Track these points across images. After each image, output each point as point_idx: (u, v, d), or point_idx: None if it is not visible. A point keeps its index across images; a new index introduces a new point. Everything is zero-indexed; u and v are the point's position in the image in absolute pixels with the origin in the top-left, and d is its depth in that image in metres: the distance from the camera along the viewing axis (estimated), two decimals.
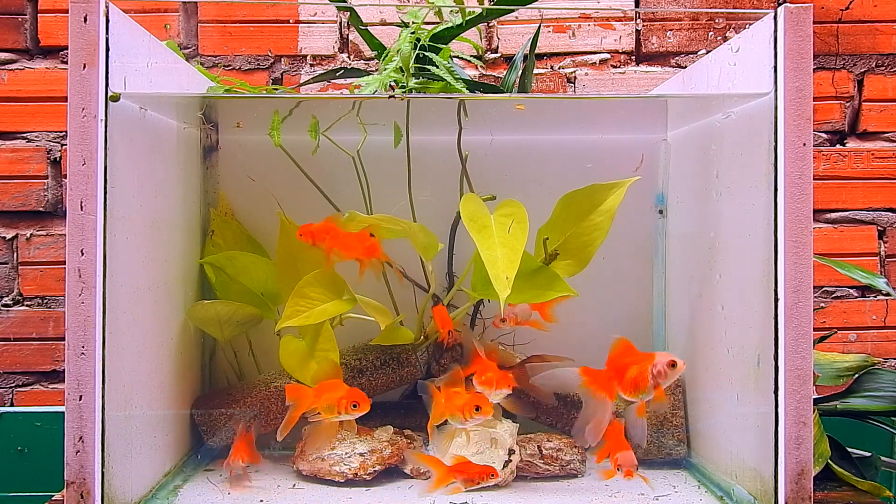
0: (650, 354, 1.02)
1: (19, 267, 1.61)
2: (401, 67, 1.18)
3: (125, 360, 1.03)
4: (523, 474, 1.20)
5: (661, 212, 1.41)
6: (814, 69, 1.27)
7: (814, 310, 0.99)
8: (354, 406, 1.08)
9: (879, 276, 1.54)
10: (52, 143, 1.61)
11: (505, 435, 1.21)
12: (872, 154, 1.64)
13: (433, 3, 1.23)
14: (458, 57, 1.44)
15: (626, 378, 1.01)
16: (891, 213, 1.64)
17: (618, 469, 1.07)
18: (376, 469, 1.18)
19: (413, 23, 1.22)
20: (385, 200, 1.35)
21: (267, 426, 1.28)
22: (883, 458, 1.31)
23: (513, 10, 1.50)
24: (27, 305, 1.61)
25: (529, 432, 1.26)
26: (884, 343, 1.64)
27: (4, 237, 1.61)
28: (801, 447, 0.98)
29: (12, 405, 1.61)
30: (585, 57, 1.63)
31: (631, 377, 1.01)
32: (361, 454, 1.18)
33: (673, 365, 1.00)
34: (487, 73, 1.62)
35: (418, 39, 1.21)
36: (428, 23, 1.24)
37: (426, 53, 1.22)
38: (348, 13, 1.53)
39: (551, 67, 1.63)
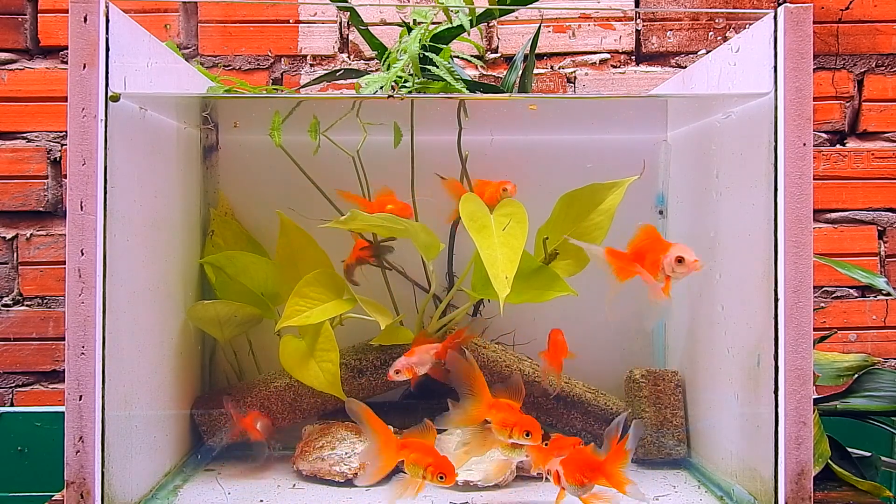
0: (667, 246, 1.03)
1: (19, 267, 1.61)
2: (408, 67, 1.18)
3: (125, 360, 1.03)
4: (523, 474, 1.20)
5: (661, 212, 1.41)
6: (814, 69, 1.27)
7: (814, 310, 0.99)
8: (441, 478, 1.01)
9: (879, 275, 1.54)
10: (52, 143, 1.61)
11: None
12: (872, 154, 1.64)
13: (440, 2, 1.23)
14: (458, 57, 1.44)
15: (644, 264, 1.03)
16: (891, 213, 1.64)
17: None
18: None
19: (420, 22, 1.22)
20: None
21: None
22: (883, 458, 1.31)
23: (513, 10, 1.50)
24: (27, 305, 1.61)
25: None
26: (884, 343, 1.64)
27: (4, 237, 1.61)
28: (801, 447, 0.98)
29: (12, 405, 1.61)
30: (585, 57, 1.63)
31: (647, 264, 1.03)
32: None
33: (680, 260, 1.01)
34: (487, 73, 1.62)
35: (420, 39, 1.21)
36: (431, 22, 1.23)
37: (427, 53, 1.22)
38: (348, 13, 1.53)
39: (551, 67, 1.63)
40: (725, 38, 1.63)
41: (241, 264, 1.31)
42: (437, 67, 1.20)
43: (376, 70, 1.34)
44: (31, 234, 1.61)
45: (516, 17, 1.62)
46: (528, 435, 1.02)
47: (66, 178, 1.21)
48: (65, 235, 1.01)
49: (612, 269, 1.06)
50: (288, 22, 1.62)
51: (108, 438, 0.98)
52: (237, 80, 1.44)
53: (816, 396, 1.33)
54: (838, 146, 1.64)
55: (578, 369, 1.37)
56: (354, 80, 1.27)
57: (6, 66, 1.61)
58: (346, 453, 1.18)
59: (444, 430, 1.25)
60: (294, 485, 1.18)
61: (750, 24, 1.06)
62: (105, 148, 0.97)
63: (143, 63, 1.09)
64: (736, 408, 1.12)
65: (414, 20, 1.24)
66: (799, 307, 0.98)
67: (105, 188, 0.97)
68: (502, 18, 1.61)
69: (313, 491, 1.16)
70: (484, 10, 1.27)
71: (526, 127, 1.38)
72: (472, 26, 1.26)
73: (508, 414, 1.04)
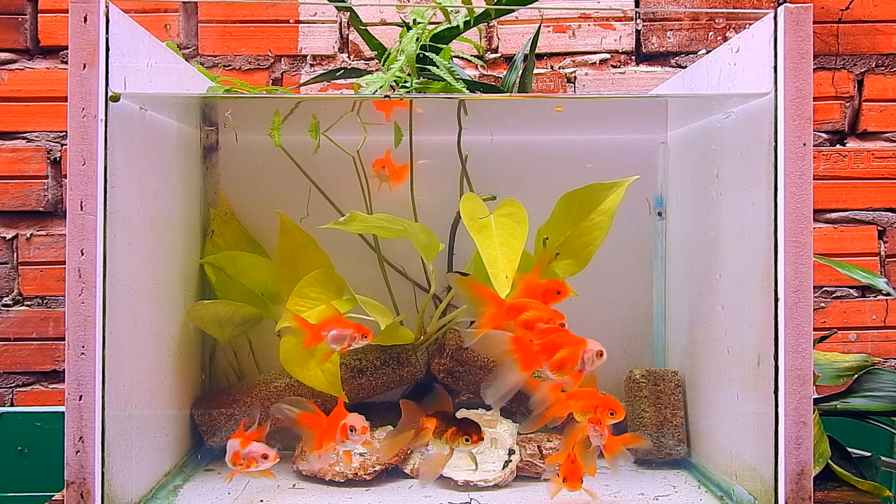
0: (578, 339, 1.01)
1: (19, 267, 1.61)
2: (405, 66, 1.18)
3: (125, 360, 1.03)
4: (523, 474, 1.20)
5: (659, 214, 1.41)
6: (814, 69, 1.27)
7: (814, 310, 1.00)
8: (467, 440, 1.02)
9: (879, 276, 1.54)
10: (52, 143, 1.61)
11: (505, 435, 1.21)
12: (872, 154, 1.64)
13: (438, 3, 1.23)
14: (458, 57, 1.44)
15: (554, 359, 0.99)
16: (891, 213, 1.64)
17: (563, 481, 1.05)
18: (376, 469, 1.18)
19: (418, 22, 1.22)
20: (385, 200, 1.35)
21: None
22: (883, 458, 1.31)
23: (513, 10, 1.49)
24: (27, 305, 1.61)
25: (530, 433, 1.26)
26: (884, 343, 1.64)
27: (4, 237, 1.61)
28: (801, 447, 0.98)
29: (12, 405, 1.61)
30: (585, 57, 1.63)
31: (559, 357, 0.99)
32: (361, 454, 1.18)
33: (601, 354, 0.99)
34: (487, 73, 1.62)
35: (418, 39, 1.21)
36: (430, 22, 1.24)
37: (427, 53, 1.22)
38: (348, 13, 1.53)
39: (551, 67, 1.63)
40: (725, 38, 1.63)
41: (241, 264, 1.31)
42: (438, 67, 1.20)
43: (376, 70, 1.34)
44: (31, 234, 1.61)
45: (516, 17, 1.62)
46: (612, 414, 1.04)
47: (66, 178, 1.21)
48: (65, 235, 1.01)
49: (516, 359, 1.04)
50: (288, 22, 1.62)
51: (108, 438, 0.98)
52: (237, 80, 1.44)
53: (816, 396, 1.33)
54: (838, 146, 1.64)
55: None
56: (354, 80, 1.27)
57: (6, 66, 1.61)
58: None
59: None
60: (294, 485, 1.18)
61: (750, 24, 1.06)
62: (105, 148, 0.97)
63: (143, 63, 1.09)
64: (736, 408, 1.12)
65: (414, 20, 1.24)
66: (799, 307, 0.98)
67: (105, 188, 0.97)
68: (502, 18, 1.61)
69: (313, 491, 1.16)
70: (483, 10, 1.27)
71: (526, 127, 1.38)
72: (469, 27, 1.26)
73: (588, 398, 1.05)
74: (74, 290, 0.96)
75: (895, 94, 1.64)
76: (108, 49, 0.97)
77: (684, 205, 1.34)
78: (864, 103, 1.64)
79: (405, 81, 1.19)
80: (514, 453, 1.19)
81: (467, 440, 1.01)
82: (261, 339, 1.38)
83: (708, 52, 1.25)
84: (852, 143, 1.64)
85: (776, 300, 0.99)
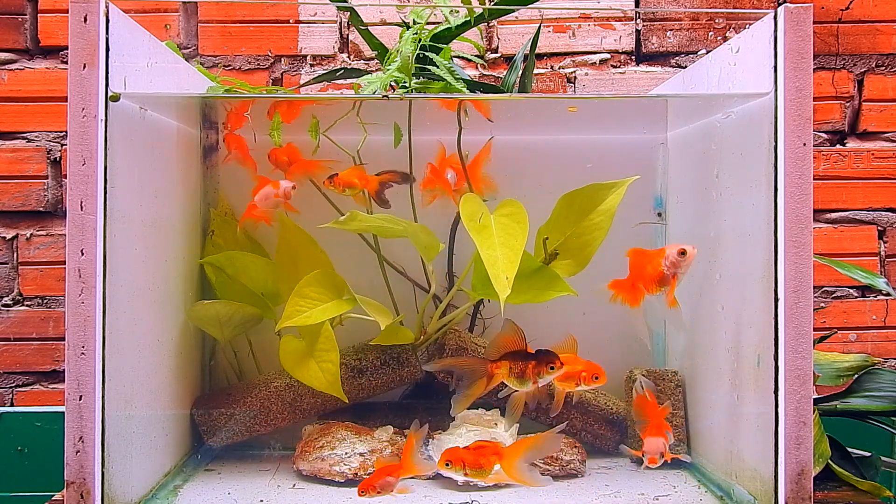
0: (661, 249, 1.10)
1: (19, 267, 1.61)
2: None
3: (125, 360, 1.03)
4: None
5: (659, 214, 1.41)
6: (814, 69, 1.27)
7: (814, 310, 1.00)
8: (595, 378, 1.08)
9: (879, 276, 1.54)
10: (52, 143, 1.61)
11: (505, 435, 1.21)
12: (872, 154, 1.64)
13: (436, 4, 1.23)
14: (458, 57, 1.44)
15: (645, 276, 1.10)
16: (891, 213, 1.64)
17: (642, 455, 1.14)
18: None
19: (416, 22, 1.22)
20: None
21: (267, 426, 1.28)
22: (883, 458, 1.31)
23: (513, 10, 1.49)
24: (27, 305, 1.61)
25: (530, 432, 1.26)
26: (884, 343, 1.64)
27: (4, 237, 1.61)
28: (801, 447, 0.98)
29: (12, 405, 1.61)
30: (585, 57, 1.63)
31: (648, 274, 1.09)
32: (361, 454, 1.18)
33: (682, 252, 1.07)
34: (487, 73, 1.62)
35: (419, 39, 1.21)
36: (429, 23, 1.24)
37: (427, 53, 1.22)
38: (348, 13, 1.53)
39: (551, 67, 1.63)
40: (725, 38, 1.63)
41: (241, 264, 1.31)
42: (438, 67, 1.20)
43: (376, 70, 1.34)
44: (31, 234, 1.61)
45: (516, 17, 1.62)
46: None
47: (66, 178, 1.21)
48: (65, 235, 1.01)
49: (623, 299, 1.13)
50: (288, 22, 1.62)
51: (108, 438, 0.98)
52: (237, 80, 1.44)
53: (816, 396, 1.33)
54: (838, 146, 1.64)
55: None
56: (354, 80, 1.27)
57: (6, 66, 1.61)
58: (346, 453, 1.18)
59: (445, 430, 1.25)
60: (294, 485, 1.18)
61: (750, 24, 1.06)
62: (105, 148, 0.97)
63: (143, 63, 1.09)
64: (736, 408, 1.12)
65: (413, 20, 1.24)
66: (799, 307, 0.98)
67: (105, 188, 0.97)
68: (502, 18, 1.61)
69: (313, 491, 1.16)
70: (483, 10, 1.27)
71: (526, 127, 1.38)
72: (469, 27, 1.26)
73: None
74: (74, 290, 0.96)
75: (895, 94, 1.64)
76: (108, 49, 0.97)
77: (684, 205, 1.34)
78: (864, 103, 1.64)
79: (405, 82, 1.19)
80: None
81: (552, 368, 1.03)
82: (261, 339, 1.37)
83: (708, 52, 1.25)
84: (852, 143, 1.64)
85: (776, 300, 0.99)
